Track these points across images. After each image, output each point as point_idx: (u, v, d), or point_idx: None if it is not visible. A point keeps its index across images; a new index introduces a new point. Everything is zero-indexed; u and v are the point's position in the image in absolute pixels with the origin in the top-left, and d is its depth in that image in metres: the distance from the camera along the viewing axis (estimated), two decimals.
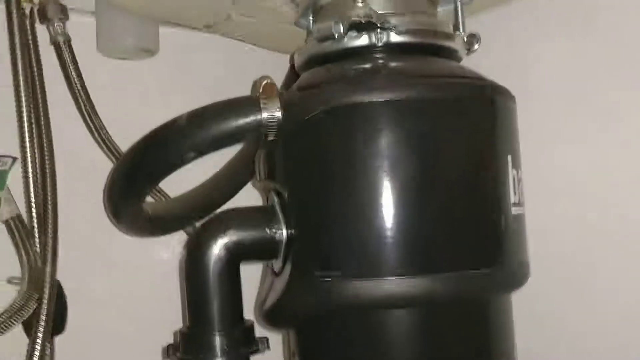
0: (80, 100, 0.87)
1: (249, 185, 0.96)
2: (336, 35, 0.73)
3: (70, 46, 0.86)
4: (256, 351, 0.75)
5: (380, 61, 0.73)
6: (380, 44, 0.73)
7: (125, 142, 0.84)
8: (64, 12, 0.86)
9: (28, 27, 0.82)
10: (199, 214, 0.88)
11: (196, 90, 1.00)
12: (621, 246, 0.86)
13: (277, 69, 0.93)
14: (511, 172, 0.73)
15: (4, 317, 0.75)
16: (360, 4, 0.73)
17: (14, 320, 0.76)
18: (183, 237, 0.94)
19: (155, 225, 0.86)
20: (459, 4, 0.80)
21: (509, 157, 0.73)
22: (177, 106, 0.74)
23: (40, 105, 0.83)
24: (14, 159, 0.83)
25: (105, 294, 0.93)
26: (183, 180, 0.86)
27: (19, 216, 0.82)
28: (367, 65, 0.73)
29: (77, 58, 0.87)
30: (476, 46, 0.79)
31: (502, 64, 0.89)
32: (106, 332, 0.92)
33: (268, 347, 0.77)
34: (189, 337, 0.74)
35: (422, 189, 0.69)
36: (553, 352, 0.92)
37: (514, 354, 0.77)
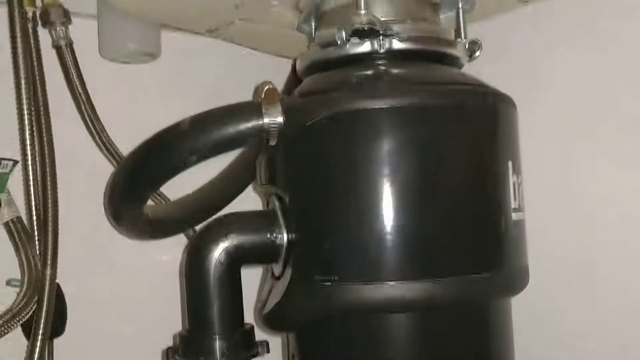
0: (81, 104, 0.87)
1: (250, 190, 0.96)
2: (338, 42, 0.73)
3: (72, 50, 0.86)
4: (256, 355, 0.76)
5: (382, 68, 0.74)
6: (382, 51, 0.74)
7: (126, 145, 0.85)
8: (66, 16, 0.86)
9: (30, 31, 0.83)
10: (199, 218, 0.88)
11: (197, 94, 1.00)
12: (621, 246, 0.86)
13: (277, 74, 0.93)
14: (512, 178, 0.73)
15: (3, 319, 0.75)
16: (362, 11, 0.73)
17: (14, 323, 0.76)
18: (183, 239, 0.94)
19: (156, 228, 0.86)
20: (460, 11, 0.80)
21: (510, 163, 0.73)
22: (178, 110, 0.74)
23: (42, 108, 0.83)
24: (15, 161, 0.84)
25: (104, 296, 0.93)
26: (185, 184, 0.86)
27: (19, 218, 0.82)
28: (369, 72, 0.73)
29: (79, 61, 0.87)
30: (477, 53, 0.79)
31: (504, 71, 0.90)
32: (106, 334, 0.92)
33: (268, 350, 0.77)
34: (188, 341, 0.75)
35: (423, 195, 0.69)
36: (553, 352, 0.92)
37: (512, 358, 0.77)
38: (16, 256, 0.82)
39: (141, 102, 0.98)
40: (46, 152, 0.82)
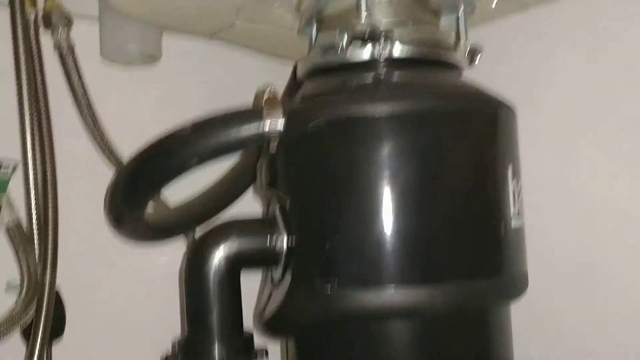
0: (82, 106, 0.87)
1: (250, 194, 0.96)
2: (339, 46, 0.74)
3: (73, 52, 0.86)
4: None
5: (383, 73, 0.74)
6: (383, 56, 0.74)
7: (127, 148, 0.85)
8: (68, 18, 0.86)
9: (32, 33, 0.82)
10: (199, 222, 0.88)
11: (198, 97, 1.00)
12: (621, 246, 0.86)
13: (278, 77, 0.93)
14: (511, 183, 0.73)
15: (2, 323, 0.75)
16: (363, 15, 0.73)
17: (13, 326, 0.76)
18: (182, 241, 0.94)
19: (156, 232, 0.86)
20: (461, 15, 0.80)
21: (510, 168, 0.73)
22: (178, 112, 0.74)
23: (43, 110, 0.83)
24: (16, 164, 0.84)
25: (104, 298, 0.93)
26: (186, 187, 0.86)
27: (18, 221, 0.82)
28: (370, 77, 0.73)
29: (81, 64, 0.87)
30: (478, 58, 0.79)
31: (505, 75, 0.90)
32: (105, 335, 0.92)
33: (267, 357, 0.77)
34: (187, 346, 0.75)
35: (423, 200, 0.69)
36: (553, 352, 0.92)
37: None
38: (16, 259, 0.82)
39: (142, 104, 0.98)
40: (47, 154, 0.82)
